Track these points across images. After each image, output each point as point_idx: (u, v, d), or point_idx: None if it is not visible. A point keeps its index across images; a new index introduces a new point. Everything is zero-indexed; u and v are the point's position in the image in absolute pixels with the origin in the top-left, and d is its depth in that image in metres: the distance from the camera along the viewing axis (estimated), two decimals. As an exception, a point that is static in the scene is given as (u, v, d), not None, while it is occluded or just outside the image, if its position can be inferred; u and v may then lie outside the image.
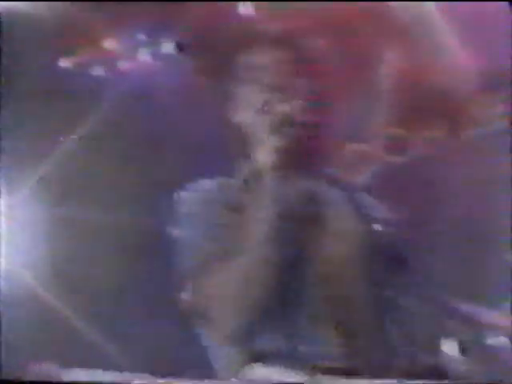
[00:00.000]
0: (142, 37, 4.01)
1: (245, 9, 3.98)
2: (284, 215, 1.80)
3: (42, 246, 3.95)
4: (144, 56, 4.05)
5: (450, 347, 1.91)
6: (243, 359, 1.83)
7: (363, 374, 1.80)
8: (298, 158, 1.84)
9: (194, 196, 1.94)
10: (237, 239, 1.80)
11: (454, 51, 3.64)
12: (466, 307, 2.89)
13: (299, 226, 1.86)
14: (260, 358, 1.83)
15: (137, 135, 4.10)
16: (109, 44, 4.06)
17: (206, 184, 1.96)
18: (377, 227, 1.94)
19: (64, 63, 4.03)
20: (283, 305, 1.82)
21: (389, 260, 1.95)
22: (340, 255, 1.86)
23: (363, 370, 1.80)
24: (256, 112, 1.84)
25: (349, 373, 1.78)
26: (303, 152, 1.83)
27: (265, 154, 1.83)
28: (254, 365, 1.83)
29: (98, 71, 4.09)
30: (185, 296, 1.87)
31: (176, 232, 1.94)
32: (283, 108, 1.80)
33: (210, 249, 1.85)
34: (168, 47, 4.02)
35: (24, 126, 3.67)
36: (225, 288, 1.80)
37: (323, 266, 1.85)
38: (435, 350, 1.88)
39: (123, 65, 4.07)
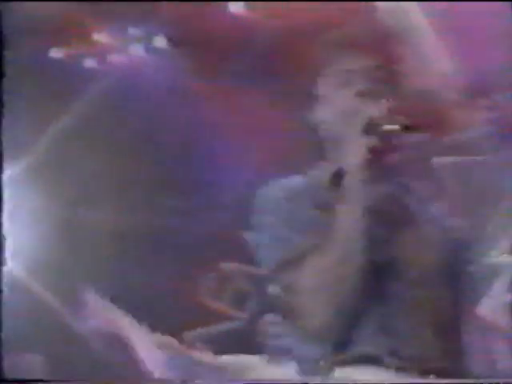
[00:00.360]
0: (135, 31, 4.06)
1: (236, 8, 4.03)
2: (371, 214, 1.86)
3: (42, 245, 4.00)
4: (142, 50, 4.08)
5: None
6: (332, 356, 1.87)
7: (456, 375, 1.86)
8: (384, 159, 1.91)
9: (278, 193, 1.99)
10: (324, 235, 1.85)
11: (439, 57, 3.69)
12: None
13: (384, 226, 1.92)
14: (356, 361, 1.87)
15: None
16: (101, 37, 4.10)
17: (290, 182, 2.01)
18: (451, 234, 2.02)
19: (56, 55, 4.08)
20: (375, 304, 1.88)
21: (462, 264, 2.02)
22: (421, 258, 1.92)
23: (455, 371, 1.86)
24: (347, 115, 1.90)
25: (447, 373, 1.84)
26: (389, 153, 1.90)
27: (355, 153, 1.88)
28: (343, 364, 1.87)
29: (90, 63, 4.14)
30: (272, 289, 1.93)
31: (257, 227, 1.99)
32: (374, 111, 1.86)
33: (298, 244, 1.90)
34: (160, 42, 4.07)
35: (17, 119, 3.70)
36: (314, 283, 1.86)
37: (408, 268, 1.91)
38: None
39: (125, 58, 4.12)
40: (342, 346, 1.90)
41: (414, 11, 4.01)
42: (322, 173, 2.00)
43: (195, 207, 3.99)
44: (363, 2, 3.89)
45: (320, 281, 1.87)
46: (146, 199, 4.10)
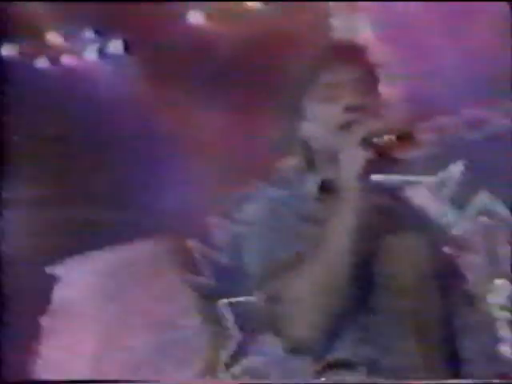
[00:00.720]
0: (90, 34, 4.03)
1: (195, 18, 4.06)
2: (362, 227, 1.86)
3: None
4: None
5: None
6: (317, 368, 1.87)
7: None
8: (378, 171, 1.91)
9: (263, 204, 1.97)
10: (311, 248, 1.84)
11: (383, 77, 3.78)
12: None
13: (376, 238, 1.93)
14: (335, 367, 1.88)
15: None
16: (55, 38, 4.07)
17: (276, 193, 1.99)
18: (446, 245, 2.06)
19: (8, 52, 4.03)
20: (359, 314, 1.88)
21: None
22: (413, 269, 1.95)
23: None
24: (339, 129, 1.88)
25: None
26: (384, 165, 1.90)
27: (351, 167, 1.88)
28: (329, 374, 1.87)
29: (42, 64, 4.10)
30: (258, 300, 1.91)
31: (244, 238, 1.99)
32: (372, 124, 1.84)
33: (283, 257, 1.89)
34: (116, 47, 4.04)
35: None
36: (300, 294, 1.85)
37: (398, 279, 1.93)
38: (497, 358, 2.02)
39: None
40: (322, 355, 1.92)
41: (364, 28, 4.12)
42: (310, 184, 2.02)
43: (141, 215, 4.00)
44: (319, 17, 3.98)
45: (308, 291, 1.88)
46: (91, 206, 4.08)
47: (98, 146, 4.05)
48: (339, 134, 1.92)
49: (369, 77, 2.01)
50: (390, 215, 2.00)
